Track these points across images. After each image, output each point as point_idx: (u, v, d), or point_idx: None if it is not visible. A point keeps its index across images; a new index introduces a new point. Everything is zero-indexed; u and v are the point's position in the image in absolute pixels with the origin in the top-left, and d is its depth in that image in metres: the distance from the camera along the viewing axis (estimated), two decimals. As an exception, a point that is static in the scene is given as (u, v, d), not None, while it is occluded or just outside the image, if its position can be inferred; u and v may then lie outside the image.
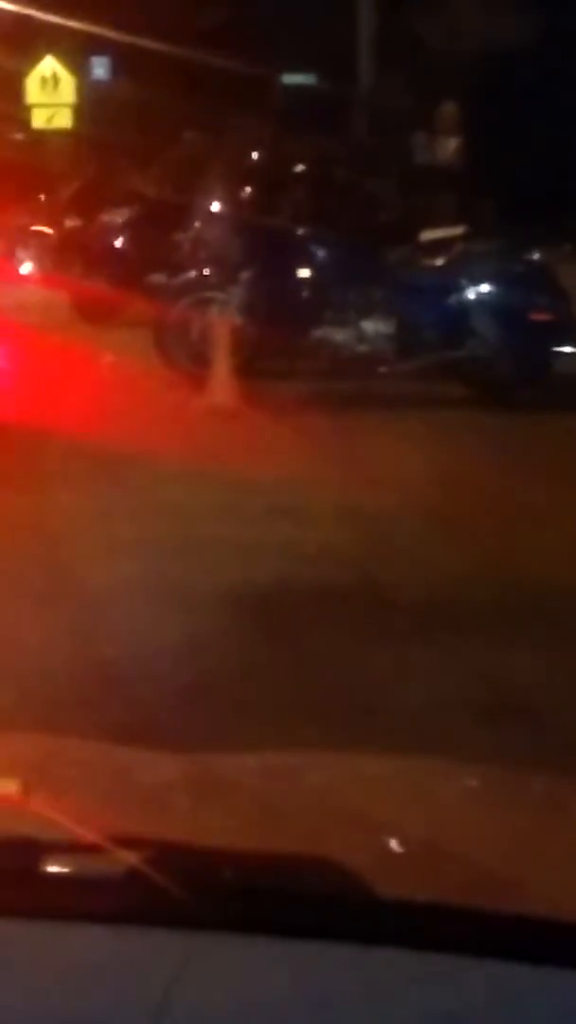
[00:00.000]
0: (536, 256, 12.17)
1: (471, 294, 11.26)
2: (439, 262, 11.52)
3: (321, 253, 11.53)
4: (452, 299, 11.23)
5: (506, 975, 1.52)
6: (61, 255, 18.20)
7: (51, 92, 23.23)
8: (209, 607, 6.14)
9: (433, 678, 5.37)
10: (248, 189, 13.24)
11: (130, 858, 1.58)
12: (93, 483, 8.24)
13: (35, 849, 1.63)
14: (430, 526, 7.41)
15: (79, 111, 23.62)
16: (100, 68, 26.80)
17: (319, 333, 11.32)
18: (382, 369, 11.31)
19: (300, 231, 11.74)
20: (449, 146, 19.45)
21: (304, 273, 11.47)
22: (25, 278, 19.01)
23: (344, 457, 9.07)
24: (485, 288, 11.29)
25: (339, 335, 11.31)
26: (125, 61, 26.06)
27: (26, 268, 19.63)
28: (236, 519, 7.53)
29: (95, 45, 25.53)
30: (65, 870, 1.62)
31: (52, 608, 6.05)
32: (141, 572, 6.63)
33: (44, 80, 23.20)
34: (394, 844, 1.93)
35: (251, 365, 11.15)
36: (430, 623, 5.97)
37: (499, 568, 6.71)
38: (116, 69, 26.78)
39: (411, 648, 5.71)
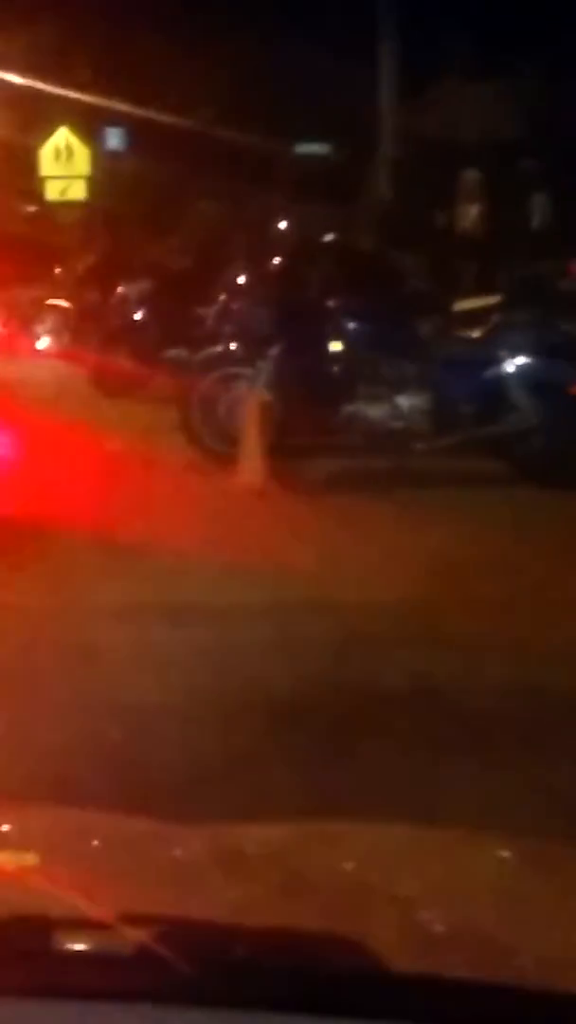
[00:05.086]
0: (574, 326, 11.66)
1: (509, 366, 10.75)
2: (475, 333, 11.04)
3: (352, 325, 11.05)
4: (489, 372, 10.73)
5: None
6: (78, 329, 17.87)
7: (65, 164, 22.98)
8: (251, 711, 5.71)
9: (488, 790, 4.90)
10: (273, 260, 12.80)
11: (140, 935, 1.56)
12: (118, 576, 7.75)
13: (45, 926, 1.61)
14: (475, 618, 6.98)
15: (93, 182, 23.36)
16: (114, 139, 26.52)
17: (351, 409, 10.85)
18: (418, 445, 10.81)
19: (330, 303, 11.24)
20: (471, 213, 19.18)
21: (335, 346, 10.99)
22: (42, 353, 18.68)
23: (381, 542, 8.60)
24: (523, 360, 10.78)
25: (372, 410, 10.83)
26: (139, 131, 25.81)
27: (43, 343, 19.29)
28: (270, 616, 7.02)
29: (109, 116, 25.32)
30: (75, 947, 1.60)
31: (83, 718, 5.58)
32: (182, 672, 6.18)
33: (58, 152, 22.95)
34: (414, 918, 1.88)
35: (281, 443, 10.69)
36: (487, 728, 5.54)
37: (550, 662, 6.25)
38: (130, 139, 26.51)
39: (465, 755, 5.25)
